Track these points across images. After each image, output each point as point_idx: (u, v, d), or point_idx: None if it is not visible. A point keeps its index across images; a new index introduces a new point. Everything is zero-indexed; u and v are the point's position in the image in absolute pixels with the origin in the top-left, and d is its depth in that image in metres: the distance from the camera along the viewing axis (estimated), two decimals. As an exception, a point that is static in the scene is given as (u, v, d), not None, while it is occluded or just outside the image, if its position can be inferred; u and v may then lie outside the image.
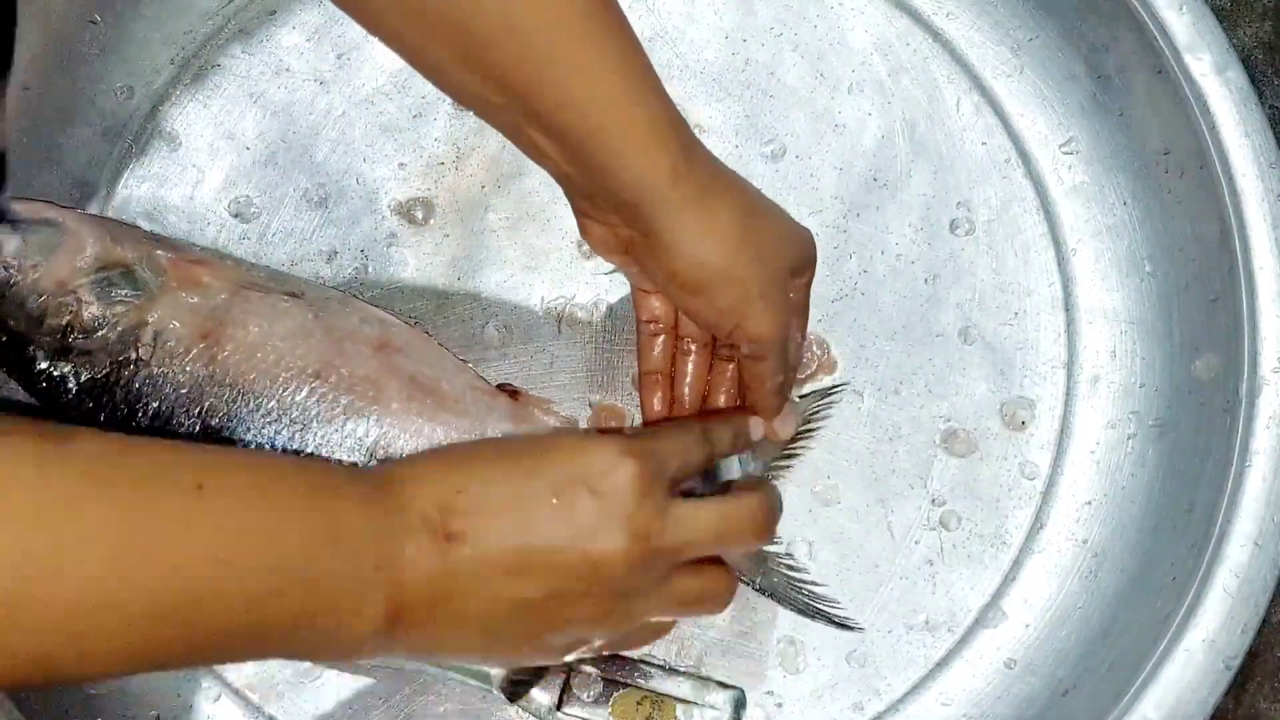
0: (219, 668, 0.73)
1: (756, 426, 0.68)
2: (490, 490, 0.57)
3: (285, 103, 0.80)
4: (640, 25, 0.80)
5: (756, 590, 0.72)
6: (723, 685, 0.71)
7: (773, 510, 0.64)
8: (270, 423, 0.67)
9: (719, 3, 0.81)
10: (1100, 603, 0.73)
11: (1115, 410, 0.76)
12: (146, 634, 0.49)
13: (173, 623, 0.49)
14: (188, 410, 0.67)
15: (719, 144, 0.79)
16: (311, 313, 0.69)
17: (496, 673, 0.69)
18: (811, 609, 0.72)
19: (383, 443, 0.67)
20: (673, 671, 0.71)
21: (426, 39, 0.60)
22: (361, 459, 0.67)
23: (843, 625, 0.72)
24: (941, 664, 0.73)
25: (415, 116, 0.80)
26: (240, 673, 0.73)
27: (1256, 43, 0.77)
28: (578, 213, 0.67)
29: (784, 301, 0.66)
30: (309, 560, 0.52)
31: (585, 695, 0.70)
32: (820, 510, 0.74)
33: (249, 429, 0.67)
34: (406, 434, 0.68)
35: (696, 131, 0.79)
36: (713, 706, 0.70)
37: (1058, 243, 0.79)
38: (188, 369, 0.67)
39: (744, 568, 0.70)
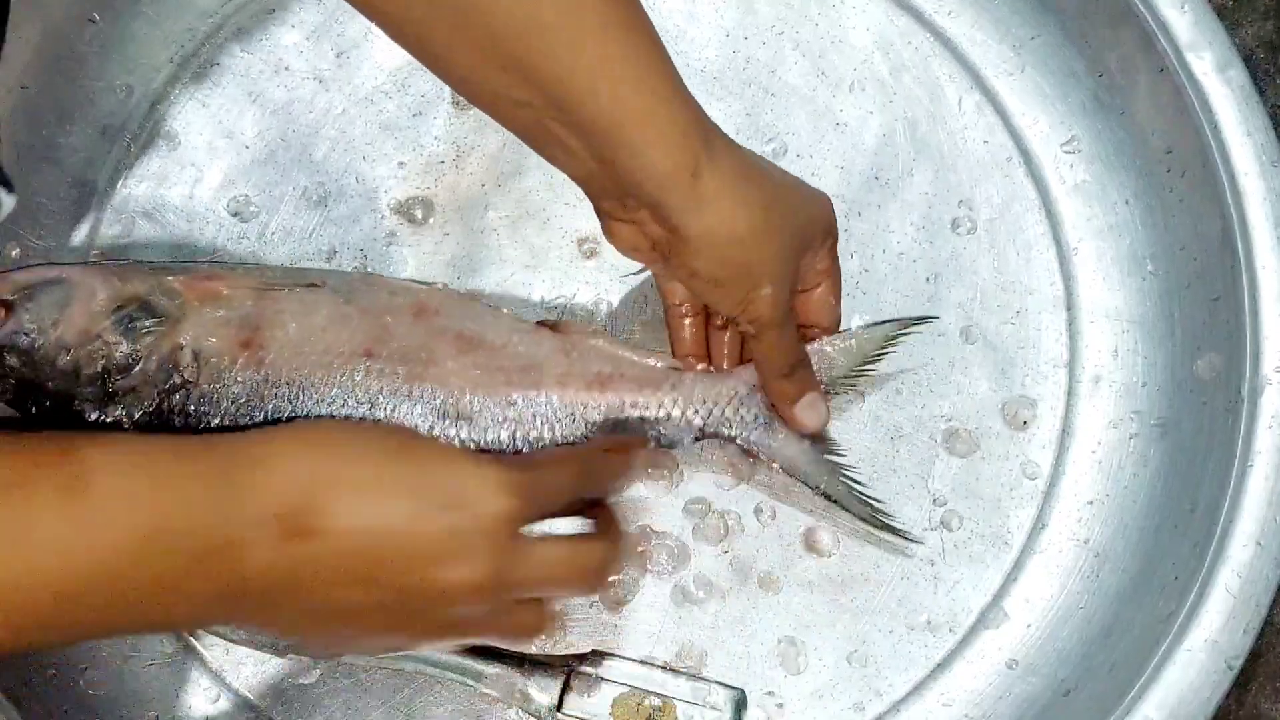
0: (219, 668, 0.72)
1: (637, 460, 0.67)
2: (354, 491, 0.55)
3: (284, 101, 0.80)
4: (641, 24, 0.80)
5: (821, 495, 0.72)
6: (723, 685, 0.71)
7: (612, 564, 0.62)
8: (337, 409, 0.67)
9: (720, 1, 0.81)
10: (1102, 603, 0.73)
11: (1117, 410, 0.76)
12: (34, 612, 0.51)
13: (35, 602, 0.51)
14: (251, 417, 0.67)
15: (720, 143, 0.79)
16: (341, 297, 0.70)
17: (491, 671, 0.69)
18: (873, 518, 0.72)
19: (450, 401, 0.68)
20: (674, 672, 0.71)
21: (452, 38, 0.60)
22: (435, 421, 0.68)
23: (902, 535, 0.73)
24: (943, 664, 0.73)
25: (415, 115, 0.80)
26: (240, 674, 0.73)
27: (1258, 42, 0.77)
28: (603, 215, 0.66)
29: (788, 280, 0.66)
30: (146, 539, 0.52)
31: (585, 695, 0.70)
32: (821, 510, 0.74)
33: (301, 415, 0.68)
34: (469, 387, 0.69)
35: (697, 130, 0.79)
36: (713, 707, 0.70)
37: (1059, 242, 0.79)
38: (239, 378, 0.67)
39: (813, 475, 0.72)
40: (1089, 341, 0.77)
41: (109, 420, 0.67)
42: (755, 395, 0.71)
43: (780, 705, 0.72)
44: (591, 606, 0.73)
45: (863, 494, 0.72)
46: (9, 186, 0.62)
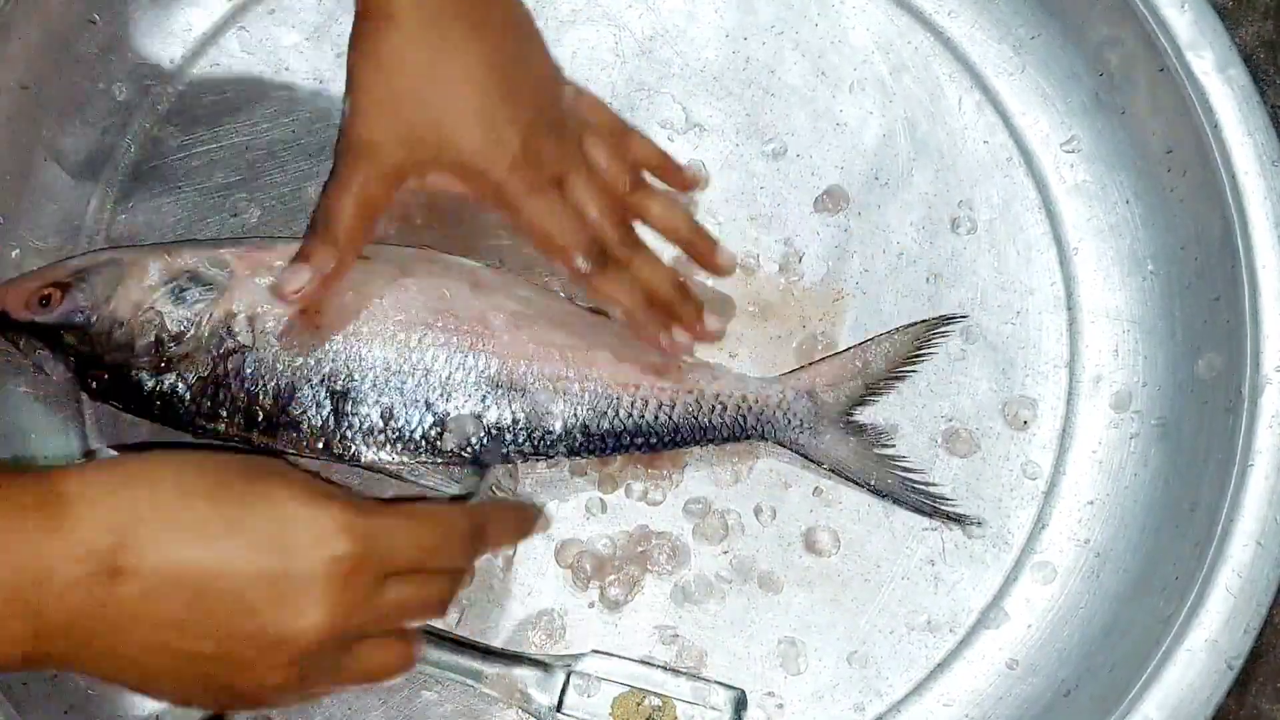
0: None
1: (541, 524, 0.66)
2: (173, 531, 0.52)
3: (285, 102, 0.80)
4: (641, 24, 0.80)
5: (872, 491, 0.73)
6: (724, 686, 0.71)
7: (455, 591, 0.60)
8: (394, 374, 0.69)
9: (720, 1, 0.81)
10: (1102, 603, 0.73)
11: (1117, 410, 0.76)
12: None
13: None
14: (310, 380, 0.69)
15: (720, 142, 0.79)
16: (397, 268, 0.71)
17: (491, 671, 0.69)
18: (929, 507, 0.73)
19: (504, 372, 0.70)
20: (674, 672, 0.71)
21: None
22: (488, 391, 0.70)
23: (960, 519, 0.74)
24: (943, 664, 0.73)
25: (415, 116, 0.79)
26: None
27: (1259, 41, 0.77)
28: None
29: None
30: None
31: (585, 695, 0.70)
32: (822, 510, 0.74)
33: (374, 385, 0.69)
34: (525, 359, 0.70)
35: (697, 131, 0.79)
36: (714, 707, 0.70)
37: (1060, 242, 0.78)
38: (295, 342, 0.69)
39: (862, 471, 0.73)
40: (1089, 341, 0.77)
41: (165, 387, 0.69)
42: (802, 399, 0.72)
43: (780, 705, 0.72)
44: (591, 606, 0.73)
45: (917, 484, 0.73)
46: None
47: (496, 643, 0.71)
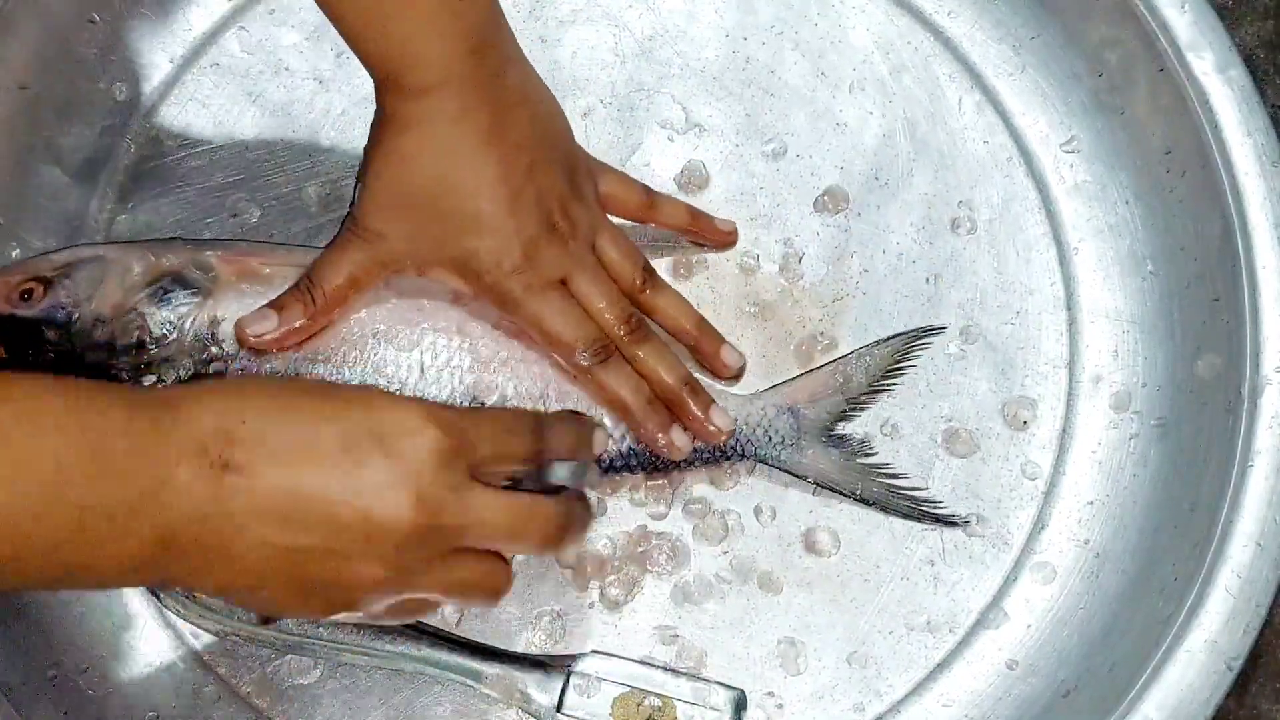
0: (222, 669, 0.72)
1: (600, 438, 0.65)
2: (277, 426, 0.54)
3: (285, 102, 0.80)
4: (641, 24, 0.80)
5: (858, 501, 0.73)
6: (723, 686, 0.71)
7: (570, 524, 0.61)
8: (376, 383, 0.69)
9: (720, 1, 0.81)
10: (1102, 603, 0.73)
11: (1117, 410, 0.76)
12: None
13: None
14: None
15: (719, 142, 0.79)
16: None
17: (492, 671, 0.69)
18: (916, 512, 0.73)
19: (482, 385, 0.70)
20: (674, 672, 0.71)
21: None
22: (471, 399, 0.70)
23: (949, 522, 0.74)
24: (943, 665, 0.73)
25: (415, 116, 0.79)
26: (241, 674, 0.72)
27: (1258, 42, 0.77)
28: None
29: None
30: (66, 484, 0.51)
31: (585, 695, 0.70)
32: (821, 510, 0.74)
33: None
34: (505, 370, 0.70)
35: (697, 131, 0.79)
36: (713, 707, 0.70)
37: (1059, 242, 0.79)
38: (278, 354, 0.69)
39: (847, 483, 0.73)
40: (1089, 342, 0.77)
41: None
42: (784, 416, 0.72)
43: (780, 706, 0.72)
44: (591, 606, 0.73)
45: (902, 490, 0.73)
46: None
47: (496, 643, 0.71)
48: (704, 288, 0.77)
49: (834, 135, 0.80)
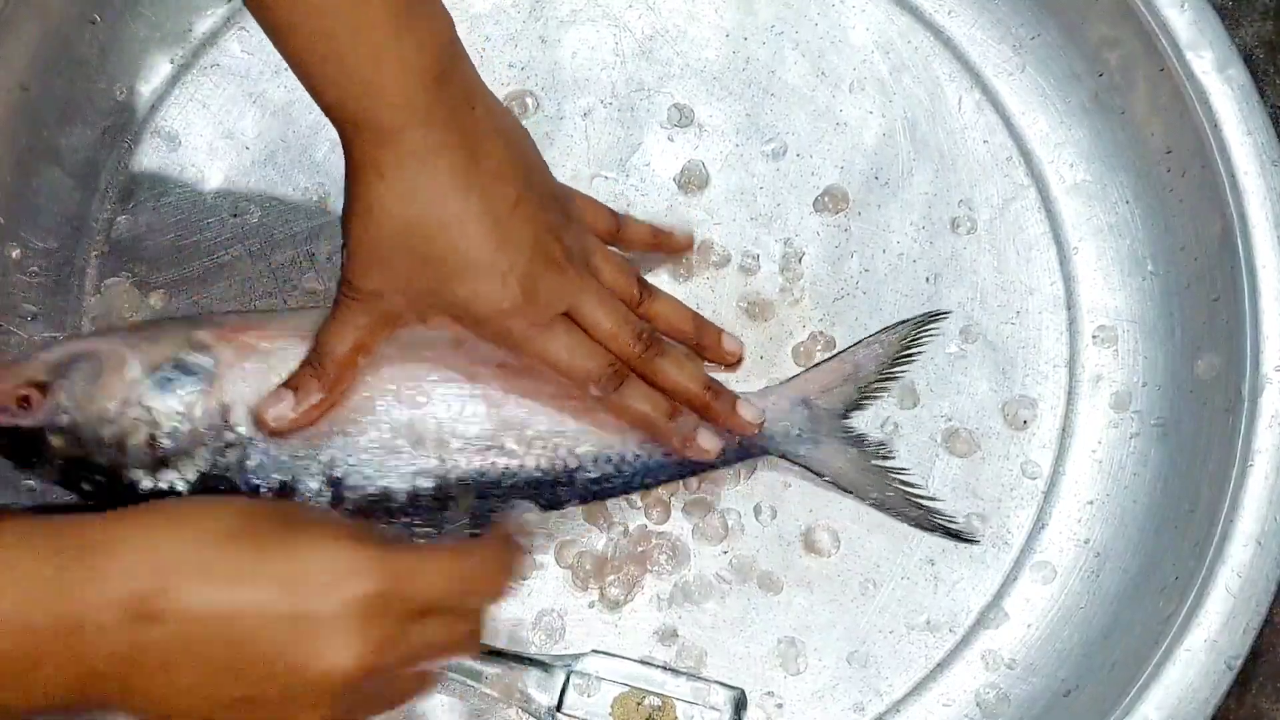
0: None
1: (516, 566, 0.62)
2: (207, 572, 0.52)
3: (285, 102, 0.80)
4: (641, 24, 0.80)
5: (872, 505, 0.73)
6: (723, 685, 0.71)
7: (485, 622, 0.60)
8: (390, 454, 0.68)
9: (720, 1, 0.81)
10: (1102, 603, 0.73)
11: (1117, 409, 0.76)
12: None
13: None
14: (308, 468, 0.67)
15: (720, 142, 0.79)
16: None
17: (491, 671, 0.69)
18: (929, 522, 0.73)
19: (501, 429, 0.69)
20: (673, 672, 0.71)
21: None
22: (489, 450, 0.69)
23: (961, 537, 0.74)
24: (943, 665, 0.73)
25: (415, 116, 0.79)
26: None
27: (1258, 41, 0.77)
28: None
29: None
30: None
31: (585, 695, 0.70)
32: (821, 510, 0.74)
33: (370, 463, 0.68)
34: (521, 412, 0.69)
35: (697, 131, 0.79)
36: (713, 707, 0.70)
37: (1059, 241, 0.78)
38: (296, 436, 0.67)
39: (861, 484, 0.73)
40: (1089, 341, 0.77)
41: (164, 486, 0.66)
42: (798, 408, 0.72)
43: (780, 705, 0.72)
44: (591, 606, 0.73)
45: (918, 498, 0.73)
46: None
47: (496, 643, 0.71)
48: (704, 287, 0.77)
49: (834, 135, 0.80)
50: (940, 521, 0.74)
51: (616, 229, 0.74)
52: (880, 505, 0.73)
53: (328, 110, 0.63)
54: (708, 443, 0.70)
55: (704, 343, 0.74)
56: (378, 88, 0.61)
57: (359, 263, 0.65)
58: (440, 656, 0.59)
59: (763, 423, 0.71)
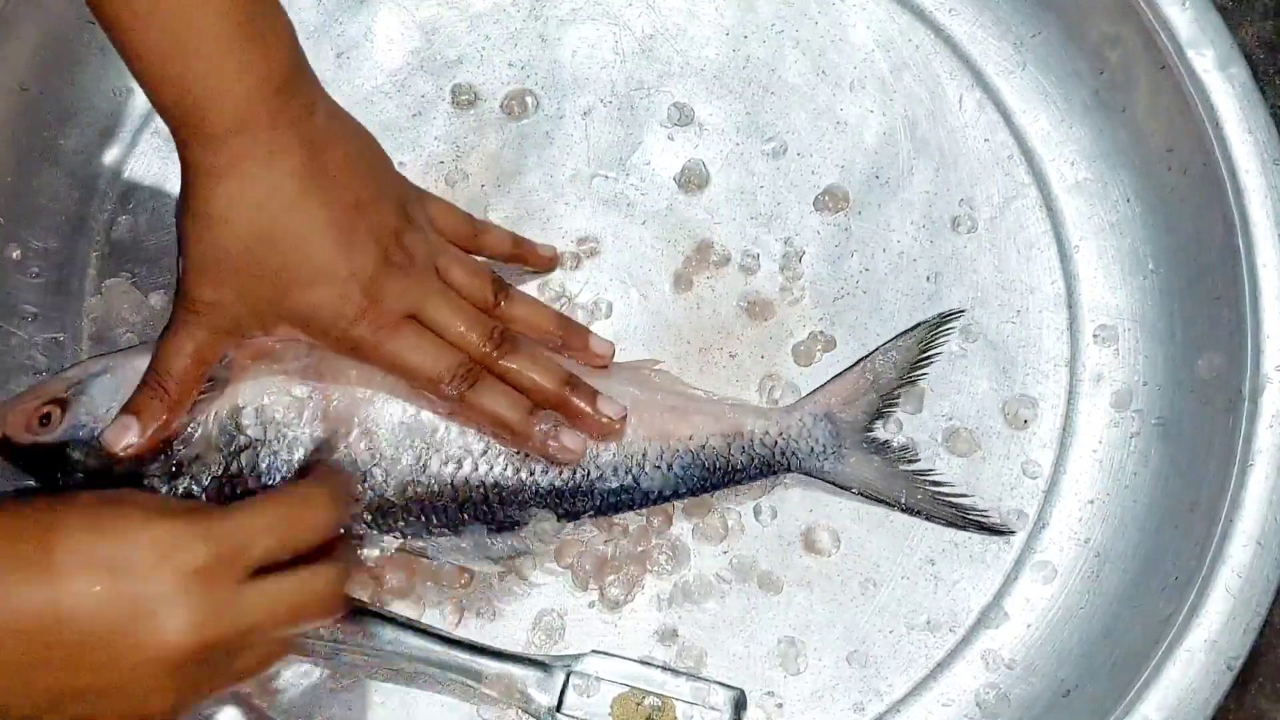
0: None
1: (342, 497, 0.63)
2: (9, 574, 0.52)
3: (285, 102, 0.80)
4: (641, 22, 0.80)
5: (903, 510, 0.73)
6: (723, 685, 0.71)
7: (343, 585, 0.60)
8: (409, 458, 0.68)
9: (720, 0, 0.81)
10: (1102, 602, 0.73)
11: (1118, 409, 0.76)
12: None
13: None
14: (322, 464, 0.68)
15: (720, 141, 0.79)
16: None
17: (492, 671, 0.69)
18: (961, 519, 0.73)
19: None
20: (673, 672, 0.71)
21: None
22: (511, 458, 0.69)
23: (995, 530, 0.74)
24: (943, 664, 0.73)
25: (414, 115, 0.80)
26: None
27: (1258, 41, 0.77)
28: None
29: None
30: None
31: (585, 695, 0.70)
32: (821, 510, 0.74)
33: (381, 464, 0.68)
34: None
35: (697, 130, 0.79)
36: (713, 707, 0.70)
37: (1060, 240, 0.78)
38: (306, 430, 0.68)
39: (890, 491, 0.73)
40: (1089, 340, 0.77)
41: (180, 492, 0.67)
42: (821, 423, 0.72)
43: (780, 705, 0.72)
44: (592, 606, 0.73)
45: (950, 497, 0.73)
46: None
47: (496, 643, 0.71)
48: (704, 287, 0.77)
49: (834, 134, 0.79)
50: (975, 518, 0.73)
51: (473, 234, 0.72)
52: (911, 509, 0.73)
53: (163, 111, 0.62)
54: (570, 441, 0.68)
55: (571, 344, 0.72)
56: (218, 90, 0.60)
57: (196, 272, 0.63)
58: (296, 618, 0.59)
59: (624, 418, 0.70)
